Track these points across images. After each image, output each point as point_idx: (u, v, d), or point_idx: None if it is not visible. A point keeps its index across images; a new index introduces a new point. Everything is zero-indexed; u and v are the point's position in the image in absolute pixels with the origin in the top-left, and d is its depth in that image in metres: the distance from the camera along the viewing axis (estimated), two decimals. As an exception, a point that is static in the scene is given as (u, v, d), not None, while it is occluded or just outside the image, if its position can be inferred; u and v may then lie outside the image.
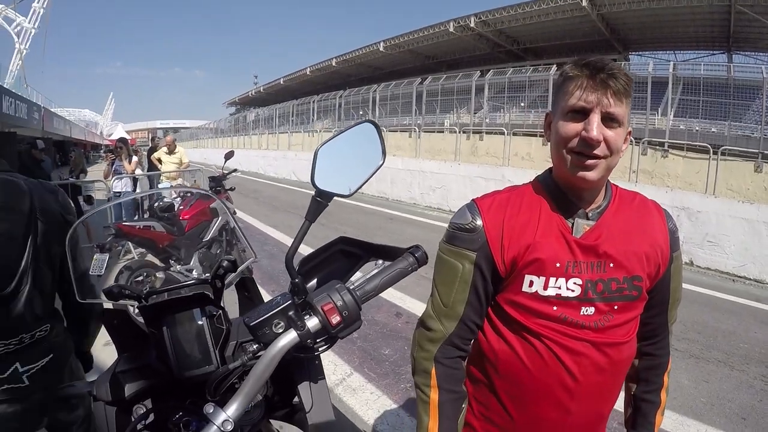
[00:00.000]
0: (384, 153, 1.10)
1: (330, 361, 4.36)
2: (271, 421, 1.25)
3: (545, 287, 1.21)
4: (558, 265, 1.20)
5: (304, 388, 1.15)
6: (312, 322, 0.95)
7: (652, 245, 1.25)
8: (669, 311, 1.39)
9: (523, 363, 1.25)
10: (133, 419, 1.11)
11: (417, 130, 19.11)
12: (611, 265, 1.21)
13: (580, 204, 1.24)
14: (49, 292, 1.95)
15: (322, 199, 0.98)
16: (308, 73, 37.40)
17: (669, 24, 20.43)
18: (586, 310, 1.21)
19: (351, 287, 1.00)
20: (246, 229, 8.87)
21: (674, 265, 1.32)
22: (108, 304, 1.28)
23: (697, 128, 13.89)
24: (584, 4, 20.09)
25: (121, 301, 1.18)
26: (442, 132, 18.95)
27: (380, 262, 1.11)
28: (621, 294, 1.22)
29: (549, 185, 1.29)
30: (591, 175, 1.16)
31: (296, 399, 1.18)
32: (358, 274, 1.12)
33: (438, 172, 15.76)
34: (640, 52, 24.20)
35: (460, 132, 17.47)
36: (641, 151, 12.62)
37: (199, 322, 1.15)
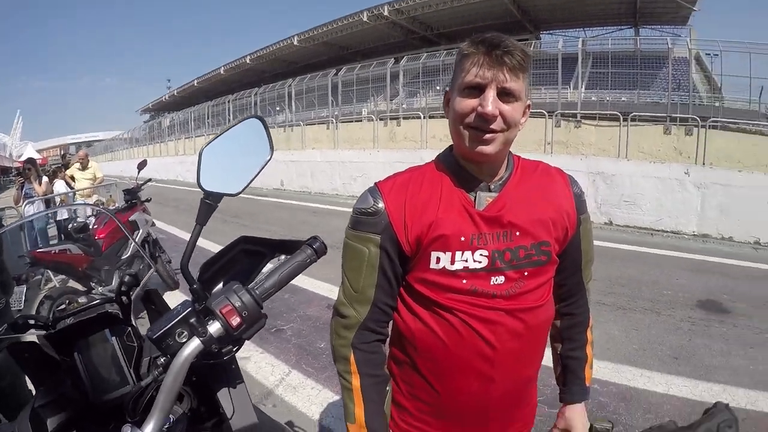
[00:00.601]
0: (272, 147, 1.11)
1: (267, 362, 4.30)
2: None
3: (452, 262, 1.22)
4: (463, 239, 1.21)
5: (223, 395, 1.12)
6: (214, 327, 0.93)
7: (557, 210, 1.28)
8: (583, 271, 1.44)
9: (440, 338, 1.26)
10: None
11: (334, 121, 19.12)
12: (517, 233, 1.23)
13: (482, 177, 1.25)
14: None
15: (210, 201, 0.97)
16: (222, 72, 36.33)
17: (578, 2, 21.21)
18: (496, 280, 1.23)
19: (250, 286, 0.98)
20: (168, 240, 8.64)
21: (583, 227, 1.36)
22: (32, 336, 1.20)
23: (608, 99, 14.52)
24: (496, -13, 20.43)
25: (29, 332, 1.14)
26: (360, 121, 18.92)
27: (283, 257, 1.09)
28: (530, 260, 1.25)
29: (450, 162, 1.31)
30: (488, 149, 1.17)
31: (222, 408, 1.13)
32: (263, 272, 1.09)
33: (358, 160, 16.01)
34: (551, 31, 24.96)
35: (377, 119, 17.54)
36: (555, 124, 13.11)
37: (111, 343, 1.14)
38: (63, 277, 5.93)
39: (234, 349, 1.00)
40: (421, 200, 1.25)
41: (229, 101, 27.10)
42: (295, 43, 28.66)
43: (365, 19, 24.99)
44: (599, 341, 4.55)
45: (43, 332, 1.13)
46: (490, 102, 1.13)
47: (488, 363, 1.25)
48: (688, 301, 5.57)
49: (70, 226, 6.03)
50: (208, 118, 29.19)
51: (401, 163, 14.56)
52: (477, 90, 1.15)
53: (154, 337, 0.92)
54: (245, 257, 1.10)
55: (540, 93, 15.53)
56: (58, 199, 8.97)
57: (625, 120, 11.69)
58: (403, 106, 18.47)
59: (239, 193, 1.03)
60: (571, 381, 1.49)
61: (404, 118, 17.04)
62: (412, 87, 19.29)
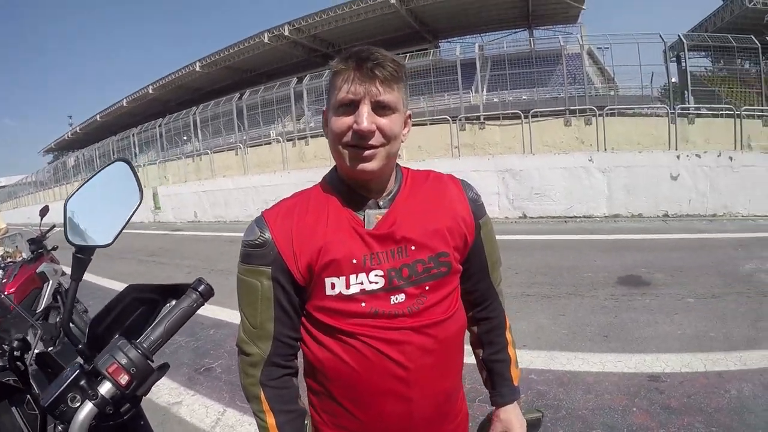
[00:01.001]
0: (141, 190, 1.06)
1: (200, 404, 4.05)
2: None
3: (347, 286, 1.16)
4: (355, 261, 1.16)
5: None
6: (105, 388, 0.87)
7: (453, 218, 1.24)
8: (491, 274, 1.40)
9: (349, 365, 1.21)
10: None
11: (242, 146, 18.84)
12: (413, 247, 1.19)
13: (370, 195, 1.21)
14: None
15: (82, 255, 0.93)
16: (125, 104, 35.02)
17: (473, 10, 22.18)
18: (396, 298, 1.17)
19: (138, 341, 0.94)
20: (83, 287, 7.91)
21: (483, 230, 1.34)
22: None
23: (509, 99, 15.21)
24: (392, 1, 20.88)
25: None
26: (269, 144, 18.84)
27: (174, 302, 1.03)
28: (429, 273, 1.20)
29: (335, 182, 1.26)
30: (370, 165, 1.12)
31: None
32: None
33: (269, 184, 15.81)
34: (449, 39, 25.80)
35: (284, 141, 17.45)
36: (459, 127, 13.39)
37: (11, 414, 1.10)
38: None
39: (132, 409, 0.94)
40: (308, 225, 1.20)
41: (133, 134, 26.14)
42: (198, 69, 28.18)
43: (266, 40, 24.92)
44: (529, 331, 4.65)
45: None
46: (365, 118, 1.08)
47: (403, 383, 1.20)
48: (608, 280, 5.73)
49: None
50: (113, 153, 27.86)
51: (313, 182, 14.50)
52: (351, 107, 1.10)
53: (47, 404, 0.86)
54: (138, 306, 1.04)
55: (443, 99, 16.05)
56: None
57: (526, 117, 12.07)
58: (311, 125, 18.47)
59: (111, 243, 0.99)
60: (500, 383, 1.46)
61: (312, 137, 17.08)
62: (318, 105, 19.27)
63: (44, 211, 6.94)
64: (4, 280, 5.27)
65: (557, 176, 10.00)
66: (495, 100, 15.27)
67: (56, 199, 27.38)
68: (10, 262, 6.03)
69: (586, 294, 5.36)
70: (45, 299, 5.24)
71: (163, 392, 4.10)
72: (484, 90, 15.78)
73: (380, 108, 1.10)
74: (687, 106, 10.42)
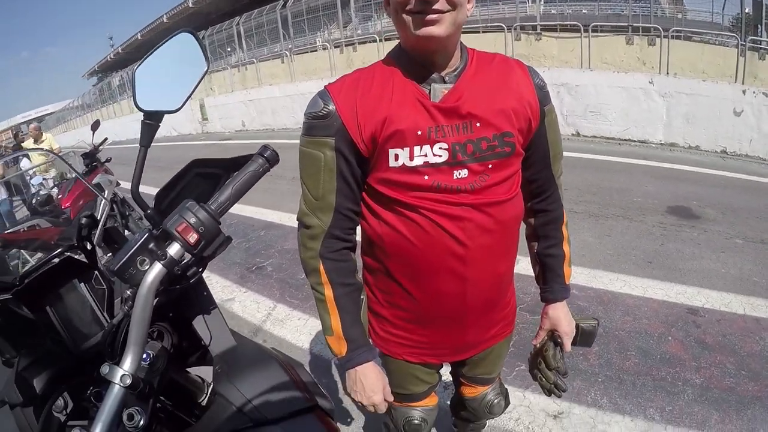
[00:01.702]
0: (207, 59, 1.08)
1: (251, 300, 4.34)
2: (188, 369, 1.21)
3: (411, 158, 1.18)
4: (420, 132, 1.16)
5: (198, 322, 1.13)
6: (173, 249, 0.89)
7: (518, 100, 1.22)
8: (552, 165, 1.39)
9: (408, 240, 1.24)
10: (54, 413, 1.05)
11: (288, 54, 18.50)
12: (478, 124, 1.18)
13: (434, 69, 1.19)
14: None
15: (151, 121, 0.95)
16: (165, 20, 33.86)
17: None
18: (459, 173, 1.19)
19: (206, 203, 0.94)
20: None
21: (548, 118, 1.31)
22: None
23: (568, 11, 14.17)
24: None
25: None
26: (315, 51, 18.33)
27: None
28: (493, 152, 1.20)
29: (399, 56, 1.24)
30: (436, 30, 1.08)
31: (203, 341, 1.13)
32: None
33: (317, 90, 15.29)
34: None
35: (332, 48, 17.07)
36: (515, 37, 12.85)
37: (81, 291, 1.15)
38: (39, 254, 5.74)
39: (199, 270, 0.98)
40: (373, 97, 1.19)
41: (177, 49, 25.98)
42: (237, -23, 27.24)
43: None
44: (574, 248, 4.54)
45: (10, 293, 1.10)
46: None
47: (460, 261, 1.24)
48: (658, 208, 5.68)
49: (33, 200, 5.77)
50: (158, 69, 28.04)
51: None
52: None
53: (116, 268, 0.88)
54: (200, 181, 1.07)
55: (498, 7, 15.17)
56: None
57: (586, 31, 11.43)
58: (358, 31, 17.87)
59: (179, 108, 1.00)
60: (551, 279, 1.50)
61: (360, 44, 16.62)
62: (365, 11, 18.53)
63: (96, 125, 7.49)
64: (60, 196, 5.72)
65: (615, 96, 9.60)
66: (553, 11, 14.21)
67: (105, 118, 27.76)
68: (64, 180, 6.31)
69: (634, 218, 5.36)
70: (101, 208, 5.44)
71: (216, 289, 4.42)
72: (542, 0, 14.88)
73: None
74: (759, 39, 9.64)
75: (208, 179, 1.07)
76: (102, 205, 5.46)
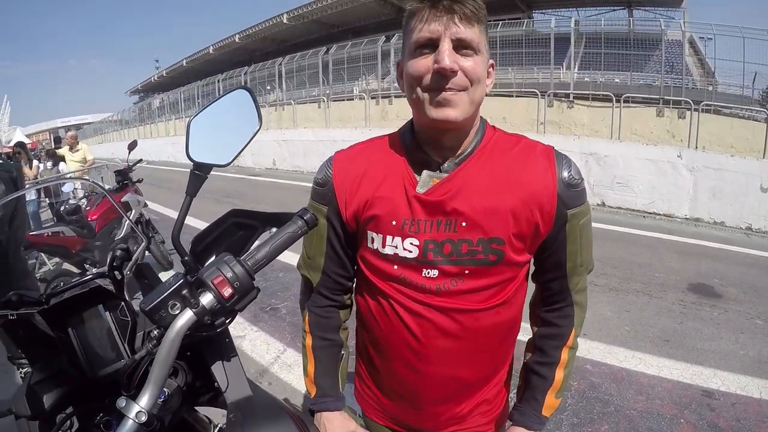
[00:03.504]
0: (260, 118, 1.09)
1: (262, 341, 4.32)
2: (197, 408, 1.23)
3: (383, 245, 1.15)
4: (394, 223, 1.12)
5: (217, 368, 1.14)
6: (206, 299, 0.91)
7: (524, 200, 1.09)
8: (569, 278, 1.21)
9: (376, 319, 1.25)
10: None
11: (325, 100, 18.95)
12: (463, 224, 1.09)
13: (441, 151, 1.12)
14: None
15: (200, 172, 0.97)
16: (211, 51, 35.72)
17: None
18: (428, 272, 1.13)
19: (242, 258, 0.96)
20: (162, 220, 8.55)
21: (571, 224, 1.13)
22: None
23: (600, 79, 14.44)
24: (488, -37, 19.96)
25: (23, 309, 1.12)
26: (352, 99, 18.81)
27: (274, 230, 1.06)
28: (473, 258, 1.10)
29: (405, 135, 1.20)
30: (453, 113, 1.02)
31: (216, 384, 1.15)
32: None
33: (349, 139, 15.51)
34: (544, 11, 24.42)
35: (368, 98, 17.43)
36: (547, 103, 13.05)
37: (104, 318, 1.15)
38: (57, 260, 5.98)
39: (227, 321, 1.00)
40: (365, 175, 1.18)
41: (219, 80, 26.62)
42: (285, 21, 28.17)
43: (355, -5, 24.55)
44: (591, 321, 4.68)
45: (36, 309, 1.12)
46: (446, 55, 0.99)
47: (414, 355, 1.20)
48: (679, 284, 5.59)
49: (62, 208, 6.01)
50: (198, 98, 28.71)
51: (394, 143, 15.00)
52: (430, 47, 1.02)
53: (147, 309, 0.91)
54: (236, 230, 1.10)
55: (533, 72, 15.44)
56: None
57: (618, 101, 11.61)
58: (395, 84, 17.84)
59: (229, 163, 1.02)
60: (526, 399, 1.30)
61: (396, 97, 16.91)
62: None
63: (132, 146, 7.43)
64: (87, 208, 5.83)
65: (642, 168, 9.62)
66: (586, 79, 14.62)
67: (140, 137, 28.59)
68: (94, 192, 6.49)
69: (654, 294, 5.28)
70: (125, 227, 5.72)
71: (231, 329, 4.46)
72: (576, 67, 14.96)
73: (462, 47, 1.01)
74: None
75: (244, 229, 1.10)
76: (126, 224, 5.71)
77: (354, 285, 1.35)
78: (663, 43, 13.08)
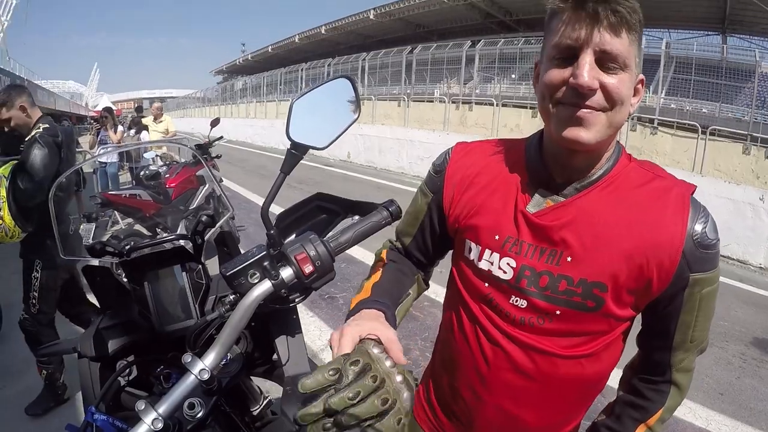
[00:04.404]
0: (359, 107, 1.07)
1: (315, 326, 4.40)
2: (252, 378, 1.28)
3: (480, 258, 1.07)
4: (497, 237, 1.04)
5: (281, 341, 1.16)
6: (286, 273, 0.93)
7: (643, 249, 0.93)
8: (674, 351, 1.04)
9: (453, 333, 1.17)
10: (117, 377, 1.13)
11: (406, 99, 18.99)
12: (569, 259, 0.97)
13: (566, 175, 1.01)
14: None
15: (297, 152, 0.96)
16: (297, 40, 36.58)
17: (665, 1, 20.09)
18: (517, 301, 1.02)
19: (325, 239, 0.99)
20: (233, 198, 8.95)
21: (691, 291, 0.96)
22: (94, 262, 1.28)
23: (687, 108, 13.83)
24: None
25: (104, 258, 1.20)
26: (432, 102, 18.75)
27: (356, 217, 1.09)
28: (569, 298, 0.98)
29: (531, 146, 1.09)
30: (585, 135, 0.90)
31: (275, 356, 1.18)
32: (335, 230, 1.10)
33: (426, 141, 15.72)
34: None
35: (449, 102, 17.34)
36: (630, 127, 12.60)
37: (180, 278, 1.20)
38: (130, 220, 6.30)
39: (301, 297, 1.01)
40: (480, 176, 1.11)
41: (302, 69, 27.29)
42: (371, 17, 28.50)
43: (445, -2, 24.60)
44: None
45: (118, 259, 1.19)
46: (586, 70, 0.86)
47: (480, 381, 1.11)
48: (743, 337, 5.30)
49: (142, 173, 6.31)
50: (280, 84, 29.57)
51: (469, 150, 14.88)
52: (569, 57, 0.90)
53: (228, 274, 0.94)
54: (319, 213, 1.13)
55: None
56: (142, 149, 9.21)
57: (703, 132, 11.10)
58: (477, 91, 18.03)
59: (326, 147, 1.02)
60: None
61: (476, 104, 16.71)
62: (487, 72, 18.84)
63: (215, 122, 7.72)
64: (167, 175, 6.07)
65: (721, 206, 8.88)
66: (672, 105, 13.91)
67: (221, 116, 29.53)
68: (174, 162, 6.77)
69: (715, 343, 4.95)
70: (198, 199, 5.96)
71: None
72: (663, 92, 14.35)
73: (607, 61, 0.88)
74: None
75: (326, 213, 1.13)
76: (202, 193, 5.96)
77: (446, 292, 1.25)
78: (756, 75, 12.26)
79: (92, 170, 8.90)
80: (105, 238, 4.98)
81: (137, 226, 5.97)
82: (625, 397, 1.14)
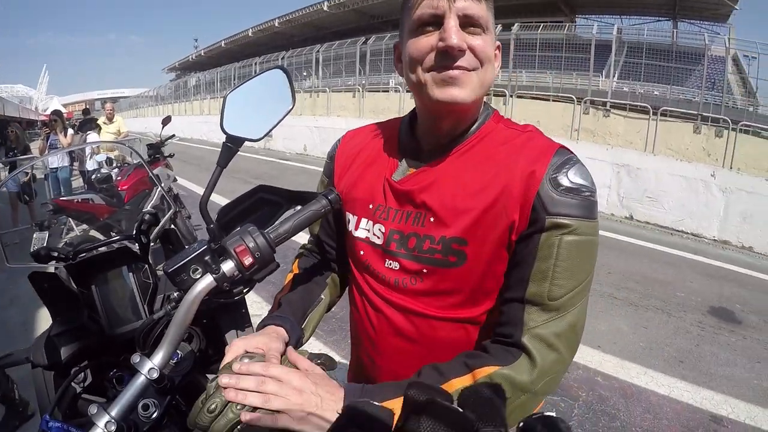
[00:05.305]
0: (294, 98, 1.09)
1: None
2: (208, 375, 1.25)
3: (356, 227, 1.13)
4: (370, 206, 1.10)
5: (231, 336, 1.17)
6: (227, 266, 0.93)
7: (500, 196, 0.93)
8: (527, 306, 0.91)
9: (351, 300, 1.24)
10: (72, 383, 1.10)
11: (361, 90, 18.98)
12: (431, 219, 0.99)
13: (434, 141, 1.05)
14: None
15: (232, 145, 0.99)
16: (250, 34, 36.03)
17: None
18: (390, 264, 1.06)
19: (265, 230, 0.98)
20: (189, 196, 8.61)
21: (549, 235, 0.89)
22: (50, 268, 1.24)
23: (639, 90, 14.21)
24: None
25: (51, 264, 1.18)
26: (387, 92, 18.81)
27: (298, 207, 1.08)
28: (431, 256, 0.99)
29: (404, 122, 1.15)
30: (459, 93, 0.92)
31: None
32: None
33: None
34: (587, 16, 24.02)
35: (404, 91, 17.37)
36: (583, 110, 12.89)
37: (127, 279, 1.21)
38: (85, 226, 6.15)
39: (245, 290, 1.01)
40: (360, 155, 1.18)
41: (256, 63, 26.90)
42: (325, 8, 28.23)
43: (397, -13, 24.53)
44: (607, 334, 4.65)
45: (63, 264, 1.18)
46: (454, 32, 0.89)
47: (372, 346, 1.16)
48: (700, 306, 5.52)
49: (93, 176, 6.16)
50: (234, 79, 29.05)
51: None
52: (433, 25, 0.92)
53: (169, 270, 0.93)
54: (262, 205, 1.12)
55: (571, 78, 15.26)
56: (88, 150, 8.96)
57: (655, 114, 11.45)
58: None
59: (260, 138, 1.03)
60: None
61: None
62: None
63: (166, 121, 7.55)
64: (119, 178, 5.92)
65: (674, 184, 9.40)
66: (624, 89, 14.35)
67: (175, 114, 29.18)
68: (126, 164, 6.56)
69: (673, 313, 5.21)
70: (153, 200, 5.79)
71: (249, 303, 4.47)
72: (615, 76, 14.78)
73: (469, 25, 0.91)
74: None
75: (269, 205, 1.12)
76: (157, 194, 5.78)
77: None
78: (705, 58, 12.82)
79: (43, 176, 8.58)
80: (60, 245, 4.86)
81: (92, 232, 5.89)
82: (467, 351, 0.98)
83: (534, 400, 0.89)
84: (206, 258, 0.93)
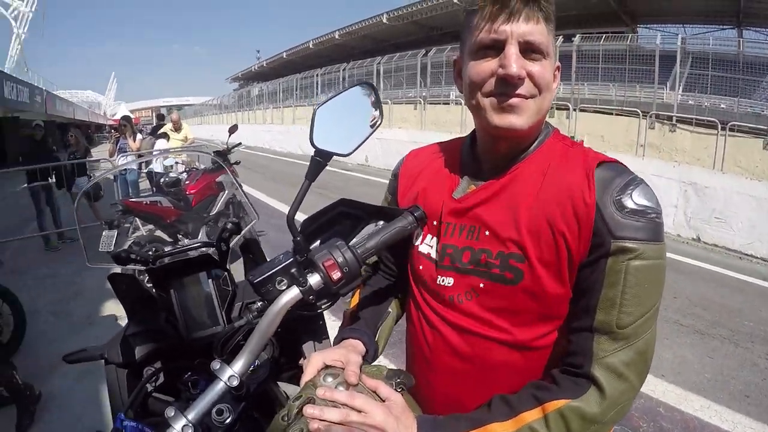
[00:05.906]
0: (381, 113, 1.09)
1: (334, 330, 4.35)
2: (279, 383, 1.29)
3: (422, 242, 1.13)
4: (435, 223, 1.10)
5: (308, 347, 1.19)
6: (314, 279, 0.93)
7: (560, 214, 0.93)
8: (596, 335, 0.90)
9: (408, 317, 1.23)
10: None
11: (422, 102, 19.01)
12: (487, 233, 1.00)
13: (495, 161, 1.05)
14: None
15: (321, 159, 0.97)
16: (311, 46, 36.66)
17: None
18: (444, 280, 1.07)
19: (352, 244, 0.99)
20: (253, 203, 8.55)
21: (615, 260, 0.88)
22: (117, 269, 1.30)
23: (705, 104, 13.61)
24: (592, -26, 19.47)
25: (130, 266, 1.22)
26: (448, 104, 18.74)
27: (381, 223, 1.09)
28: (488, 270, 0.99)
29: (466, 142, 1.17)
30: (518, 121, 0.94)
31: (302, 361, 1.20)
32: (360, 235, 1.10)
33: None
34: (649, 25, 23.32)
35: (465, 104, 17.16)
36: (648, 125, 12.48)
37: (206, 285, 1.22)
38: (151, 227, 6.31)
39: (329, 303, 1.00)
40: (423, 172, 1.20)
41: (317, 75, 27.49)
42: (385, 21, 28.42)
43: (455, 0, 24.58)
44: (672, 363, 4.42)
45: (144, 267, 1.21)
46: (514, 60, 0.90)
47: (425, 362, 1.15)
48: None
49: (162, 180, 6.41)
50: (296, 90, 29.88)
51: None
52: (493, 49, 0.93)
53: (256, 281, 0.94)
54: (343, 219, 1.11)
55: (635, 91, 14.77)
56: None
57: (723, 128, 10.91)
58: None
59: (350, 153, 1.02)
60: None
61: None
62: None
63: (233, 129, 7.79)
64: (187, 182, 6.12)
65: (743, 204, 8.74)
66: (690, 102, 13.66)
67: (238, 123, 29.84)
68: (194, 169, 6.76)
69: (741, 343, 4.86)
70: (218, 205, 5.94)
71: None
72: (680, 88, 14.03)
73: (529, 51, 0.92)
74: None
75: (350, 219, 1.10)
76: (221, 202, 5.97)
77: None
78: None
79: (112, 177, 8.95)
80: (127, 245, 5.07)
81: (158, 233, 6.02)
82: (535, 382, 0.97)
83: (603, 430, 0.90)
84: (292, 270, 0.94)
